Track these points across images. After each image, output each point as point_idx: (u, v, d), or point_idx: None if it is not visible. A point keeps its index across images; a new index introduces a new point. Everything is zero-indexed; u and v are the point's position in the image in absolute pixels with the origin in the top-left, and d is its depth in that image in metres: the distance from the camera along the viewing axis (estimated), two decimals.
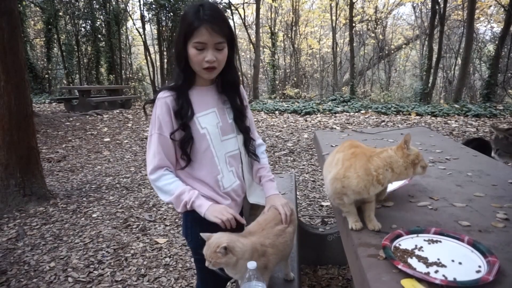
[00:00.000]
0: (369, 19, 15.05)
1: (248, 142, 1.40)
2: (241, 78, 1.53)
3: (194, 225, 1.29)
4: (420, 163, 1.07)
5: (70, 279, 2.37)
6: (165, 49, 13.36)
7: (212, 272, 1.14)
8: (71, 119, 8.31)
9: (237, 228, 1.25)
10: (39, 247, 2.79)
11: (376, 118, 7.86)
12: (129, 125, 7.93)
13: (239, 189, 1.38)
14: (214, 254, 1.09)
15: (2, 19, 3.27)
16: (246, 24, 14.47)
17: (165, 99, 1.24)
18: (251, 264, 1.04)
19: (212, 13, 1.17)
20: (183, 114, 1.24)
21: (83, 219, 3.29)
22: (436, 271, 0.86)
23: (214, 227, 1.20)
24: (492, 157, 1.78)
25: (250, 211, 1.48)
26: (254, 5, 13.18)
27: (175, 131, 1.25)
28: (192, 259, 2.55)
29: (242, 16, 14.25)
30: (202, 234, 1.14)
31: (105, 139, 6.64)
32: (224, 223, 1.20)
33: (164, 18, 12.90)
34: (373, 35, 15.34)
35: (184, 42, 1.20)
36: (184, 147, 1.27)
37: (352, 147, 1.18)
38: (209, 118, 1.30)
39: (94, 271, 2.46)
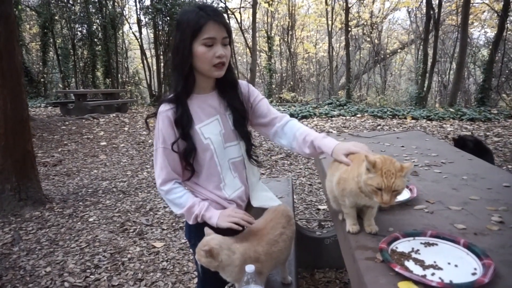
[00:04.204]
0: (365, 23, 15.17)
1: (249, 149, 1.38)
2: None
3: (198, 227, 1.29)
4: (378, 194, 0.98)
5: (66, 284, 2.35)
6: (161, 53, 13.36)
7: (213, 277, 1.14)
8: (67, 123, 8.27)
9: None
10: (35, 252, 2.77)
11: (372, 122, 7.89)
12: (126, 129, 7.91)
13: (243, 195, 1.38)
14: (198, 251, 1.11)
15: None
16: (243, 28, 14.55)
17: (166, 113, 1.23)
18: (249, 268, 1.04)
19: (215, 10, 1.20)
20: (183, 123, 1.24)
21: (79, 223, 3.27)
22: (433, 274, 0.87)
23: (217, 230, 1.21)
24: None
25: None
26: (251, 10, 13.23)
27: (176, 141, 1.24)
28: (190, 263, 2.54)
29: (239, 21, 14.32)
30: (206, 229, 1.16)
31: (102, 143, 6.61)
32: (238, 224, 1.20)
33: (160, 22, 12.91)
34: (368, 39, 15.45)
35: (190, 43, 1.19)
36: (187, 158, 1.26)
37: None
38: (212, 126, 1.29)
39: (90, 276, 2.45)
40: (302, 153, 1.35)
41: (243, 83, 1.41)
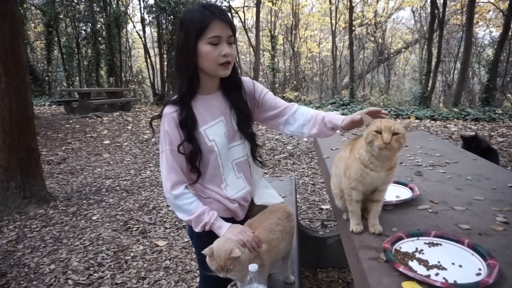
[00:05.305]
0: (369, 23, 15.09)
1: (254, 149, 1.38)
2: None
3: None
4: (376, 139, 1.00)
5: (70, 282, 2.37)
6: (165, 52, 13.38)
7: (215, 276, 1.14)
8: (71, 121, 8.31)
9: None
10: (39, 250, 2.79)
11: None
12: (129, 127, 7.93)
13: (247, 195, 1.37)
14: (229, 260, 1.08)
15: (4, 21, 3.28)
16: (246, 27, 14.52)
17: (171, 115, 1.22)
18: (253, 267, 1.04)
19: (219, 8, 1.19)
20: (188, 126, 1.23)
21: (83, 221, 3.29)
22: (437, 274, 0.87)
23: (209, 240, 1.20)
24: None
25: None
26: (254, 9, 13.20)
27: (182, 143, 1.23)
28: (193, 262, 2.55)
29: (242, 19, 14.30)
30: (204, 251, 1.12)
31: (105, 142, 6.64)
32: (244, 243, 1.16)
33: (164, 21, 12.93)
34: (372, 39, 15.37)
35: (195, 42, 1.17)
36: (193, 161, 1.26)
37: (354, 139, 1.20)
38: (217, 128, 1.28)
39: (94, 274, 2.46)
40: (310, 135, 1.35)
41: (247, 80, 1.40)
